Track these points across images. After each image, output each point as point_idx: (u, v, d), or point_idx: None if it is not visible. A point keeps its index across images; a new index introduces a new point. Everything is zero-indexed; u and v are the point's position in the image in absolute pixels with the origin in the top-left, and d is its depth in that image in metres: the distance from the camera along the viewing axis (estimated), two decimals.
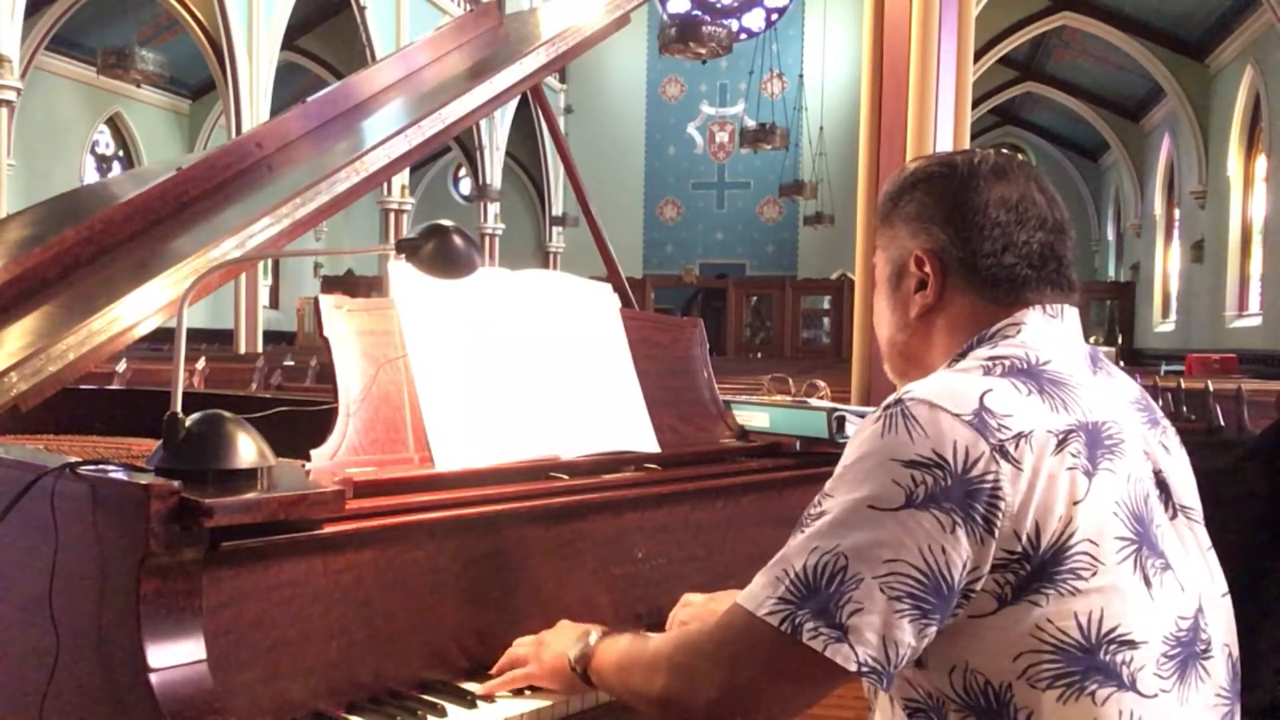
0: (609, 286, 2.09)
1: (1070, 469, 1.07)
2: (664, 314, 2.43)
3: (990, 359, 1.15)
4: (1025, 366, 1.14)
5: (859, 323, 5.13)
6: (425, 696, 1.41)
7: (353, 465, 1.53)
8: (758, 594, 1.10)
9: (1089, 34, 17.80)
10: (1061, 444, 1.07)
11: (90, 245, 1.81)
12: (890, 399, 1.11)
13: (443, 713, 1.37)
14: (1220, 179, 16.14)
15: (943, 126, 4.88)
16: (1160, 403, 7.03)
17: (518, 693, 1.45)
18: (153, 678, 1.14)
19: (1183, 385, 7.37)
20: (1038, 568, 1.05)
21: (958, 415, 1.07)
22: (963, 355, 1.20)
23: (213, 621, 1.23)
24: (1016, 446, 1.06)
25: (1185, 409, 6.57)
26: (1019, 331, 1.18)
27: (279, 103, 14.72)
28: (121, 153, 19.33)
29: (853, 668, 1.04)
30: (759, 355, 19.23)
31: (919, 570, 1.04)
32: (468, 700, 1.40)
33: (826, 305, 20.68)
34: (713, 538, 1.92)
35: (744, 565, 1.93)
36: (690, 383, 2.18)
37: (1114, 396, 1.18)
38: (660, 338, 2.15)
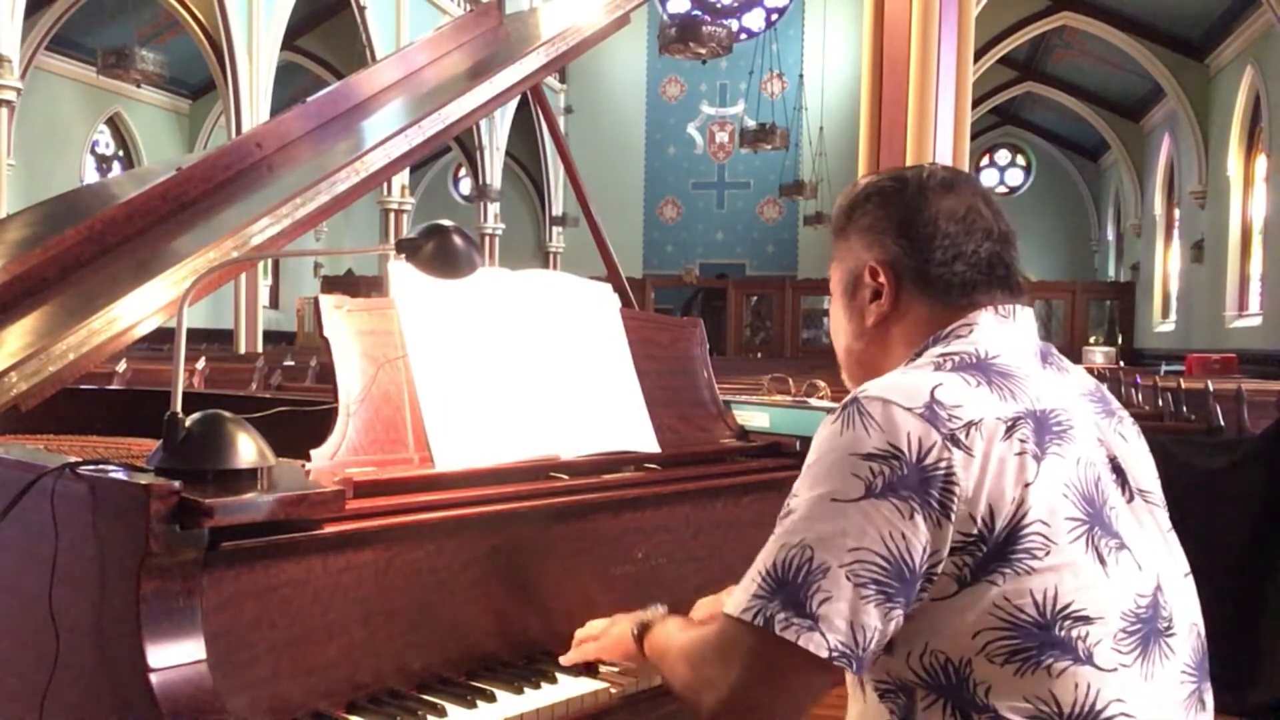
0: (609, 286, 2.09)
1: (1019, 454, 1.12)
2: (664, 314, 2.43)
3: (941, 356, 1.22)
4: (974, 361, 1.20)
5: None
6: (425, 696, 1.41)
7: (353, 465, 1.53)
8: (738, 599, 1.16)
9: (1089, 34, 17.80)
10: (1010, 430, 1.13)
11: (90, 245, 1.81)
12: (847, 399, 1.17)
13: (443, 713, 1.37)
14: (1220, 179, 16.13)
15: (943, 126, 4.88)
16: (1160, 402, 7.04)
17: (518, 690, 1.45)
18: (153, 678, 1.14)
19: (1183, 385, 7.36)
20: (994, 549, 1.09)
21: (909, 409, 1.12)
22: (918, 356, 1.25)
23: (213, 621, 1.23)
24: (967, 434, 1.11)
25: (1185, 409, 6.56)
26: (971, 331, 1.24)
27: (279, 103, 14.72)
28: (121, 153, 19.33)
29: (824, 654, 1.08)
30: (759, 355, 19.24)
31: (881, 556, 1.09)
32: (468, 700, 1.41)
33: (826, 305, 20.67)
34: (713, 538, 1.92)
35: (744, 565, 1.92)
36: (690, 383, 2.18)
37: (1064, 388, 1.23)
38: (660, 338, 2.15)
